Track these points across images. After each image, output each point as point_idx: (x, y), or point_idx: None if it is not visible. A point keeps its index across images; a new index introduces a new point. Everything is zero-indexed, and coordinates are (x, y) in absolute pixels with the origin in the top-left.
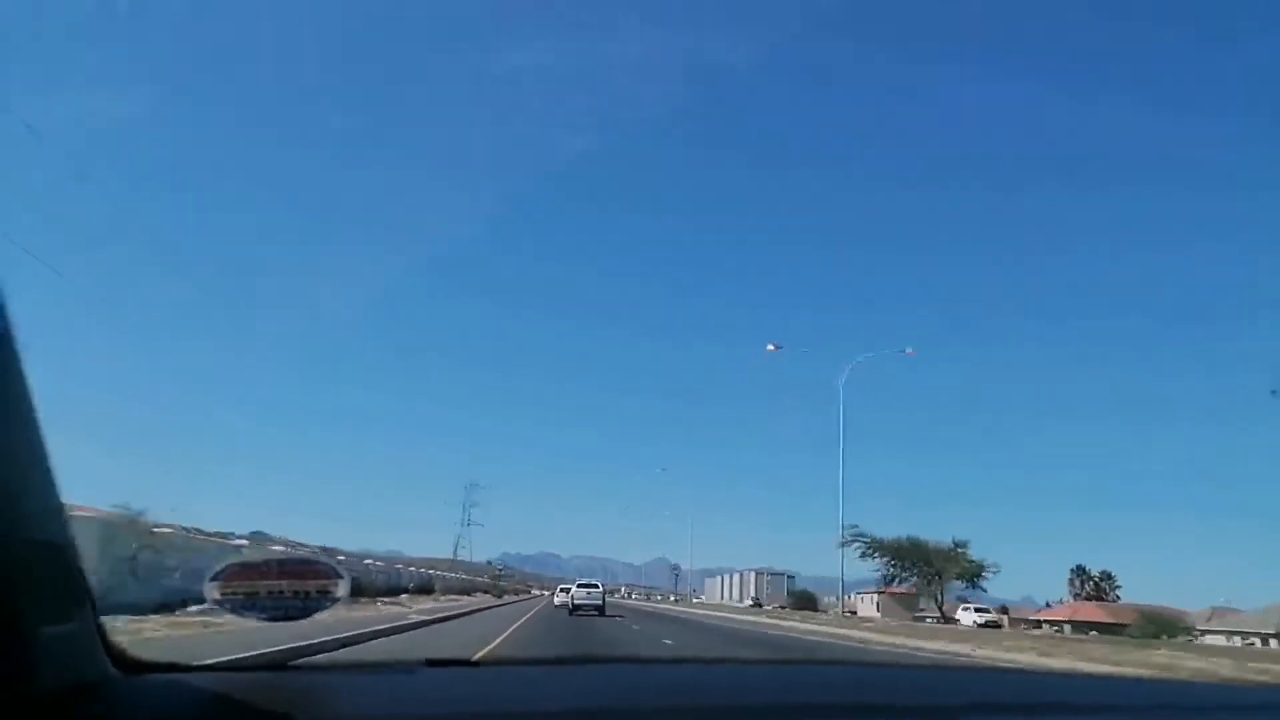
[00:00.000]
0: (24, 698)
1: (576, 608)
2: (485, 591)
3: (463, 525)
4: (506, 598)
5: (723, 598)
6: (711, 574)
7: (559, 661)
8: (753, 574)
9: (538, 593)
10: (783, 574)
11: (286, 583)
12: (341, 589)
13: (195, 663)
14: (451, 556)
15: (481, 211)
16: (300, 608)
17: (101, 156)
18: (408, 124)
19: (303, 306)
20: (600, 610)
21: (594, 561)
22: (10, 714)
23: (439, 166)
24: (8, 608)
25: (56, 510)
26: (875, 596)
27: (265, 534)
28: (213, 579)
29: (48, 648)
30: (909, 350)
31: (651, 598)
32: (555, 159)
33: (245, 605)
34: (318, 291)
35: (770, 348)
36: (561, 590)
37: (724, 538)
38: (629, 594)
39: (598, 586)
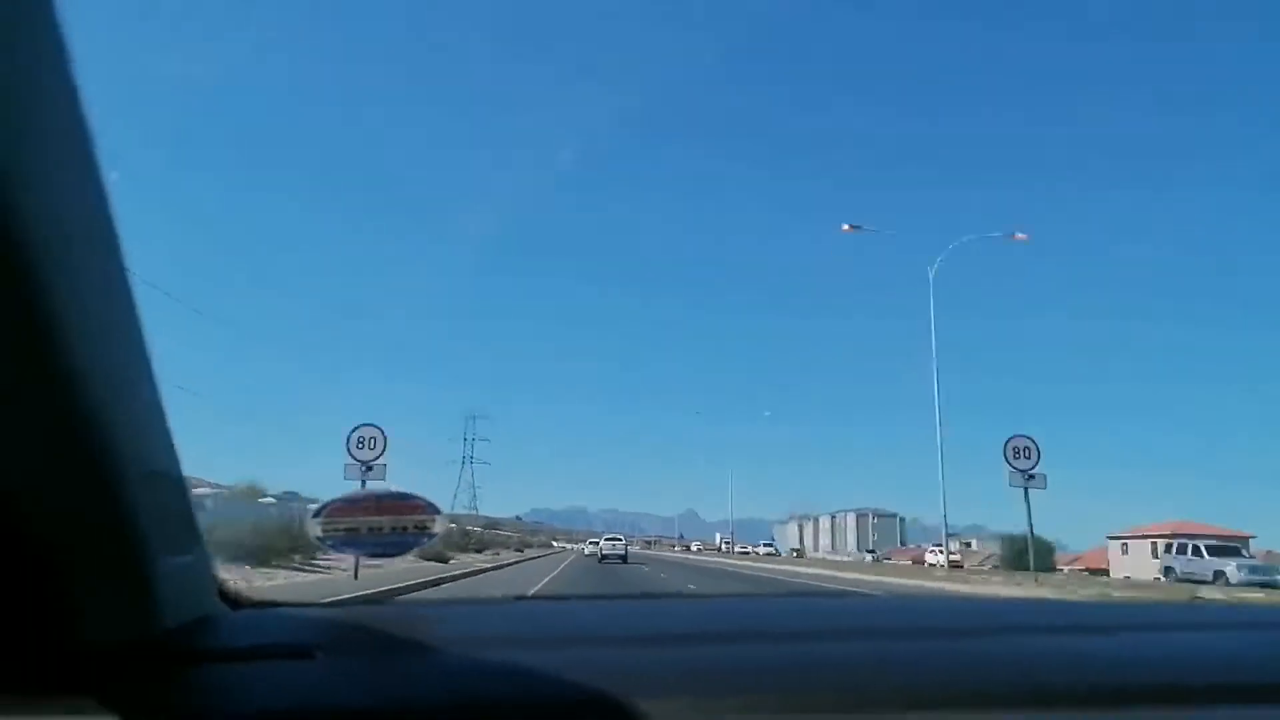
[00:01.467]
0: (152, 632)
1: (604, 557)
2: (506, 546)
3: (463, 462)
4: (529, 551)
5: (808, 545)
6: (749, 524)
7: (628, 597)
8: (852, 515)
9: (562, 547)
10: (894, 515)
11: (386, 518)
12: (439, 525)
13: (303, 600)
14: (465, 509)
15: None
16: (398, 543)
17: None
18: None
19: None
20: (623, 558)
21: (622, 516)
22: (141, 647)
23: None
24: (137, 539)
25: (170, 444)
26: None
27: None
28: (314, 516)
29: (170, 582)
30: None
31: (697, 548)
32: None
33: (346, 541)
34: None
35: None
36: (591, 543)
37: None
38: (689, 548)
39: (621, 540)
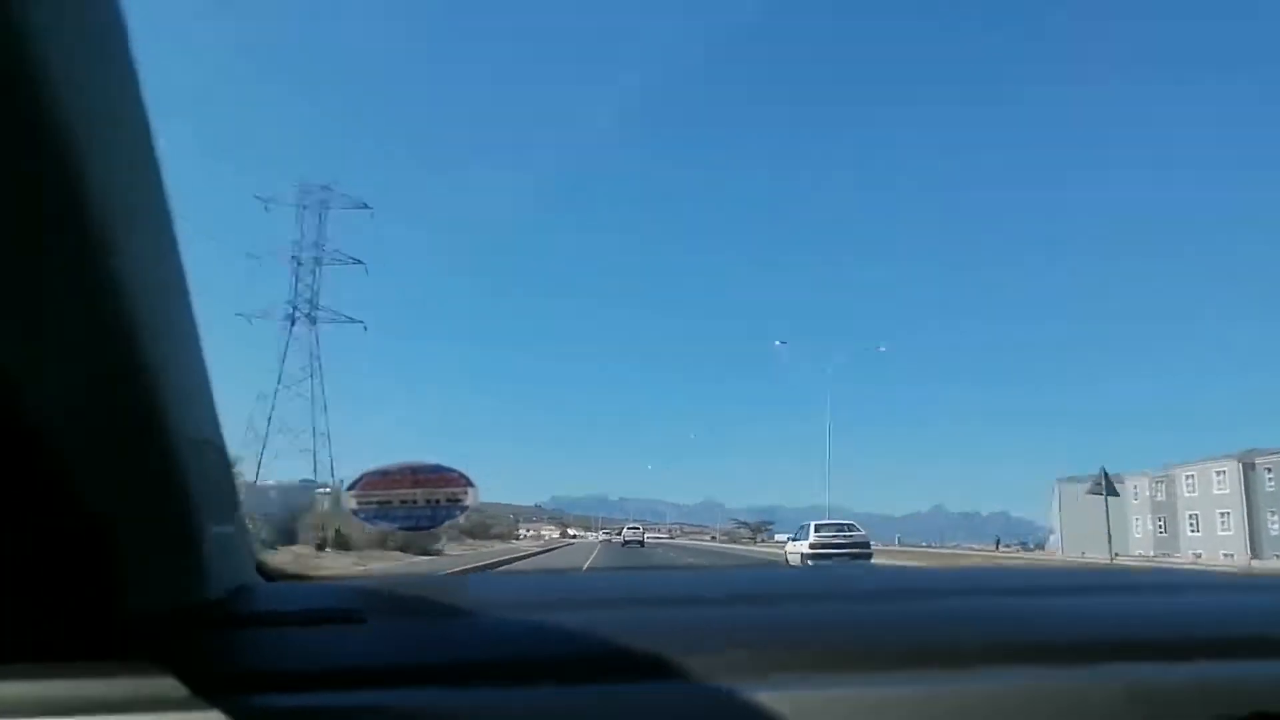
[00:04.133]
0: (200, 598)
1: (626, 542)
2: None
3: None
4: (522, 542)
5: None
6: (761, 513)
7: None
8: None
9: (577, 535)
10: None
11: (420, 491)
12: (472, 497)
13: (332, 575)
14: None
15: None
16: (431, 515)
17: None
18: None
19: None
20: (641, 544)
21: (643, 504)
22: (191, 612)
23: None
24: (187, 507)
25: (214, 418)
26: None
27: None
28: (349, 488)
29: (216, 551)
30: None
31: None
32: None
33: (379, 513)
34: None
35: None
36: (604, 531)
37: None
38: (713, 537)
39: (639, 528)
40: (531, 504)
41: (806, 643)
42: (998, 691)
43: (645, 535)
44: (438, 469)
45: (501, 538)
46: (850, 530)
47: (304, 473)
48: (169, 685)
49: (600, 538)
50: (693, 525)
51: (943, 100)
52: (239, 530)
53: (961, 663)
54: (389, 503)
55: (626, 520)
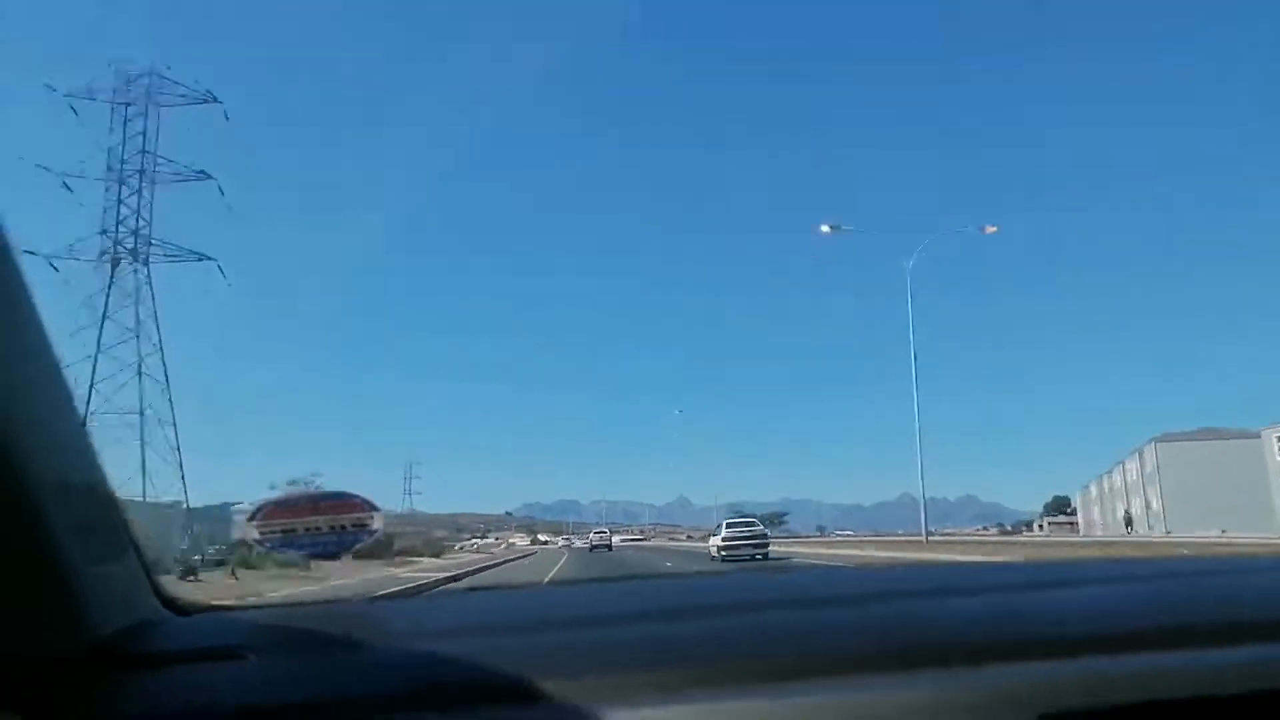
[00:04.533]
0: (84, 641)
1: (594, 547)
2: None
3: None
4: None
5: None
6: (730, 509)
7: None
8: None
9: (548, 541)
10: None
11: (323, 518)
12: (377, 522)
13: (243, 603)
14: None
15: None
16: (337, 541)
17: None
18: None
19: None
20: (609, 547)
21: (614, 506)
22: (71, 656)
23: None
24: (58, 551)
25: (90, 454)
26: None
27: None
28: (250, 519)
29: (100, 591)
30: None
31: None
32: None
33: (283, 543)
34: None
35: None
36: (564, 539)
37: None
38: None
39: (606, 532)
40: (501, 512)
41: (711, 658)
42: (907, 698)
43: (616, 539)
44: (339, 495)
45: (420, 554)
46: (752, 528)
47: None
48: None
49: (567, 545)
50: (667, 525)
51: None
52: (130, 566)
53: (875, 670)
54: (294, 530)
55: (597, 524)
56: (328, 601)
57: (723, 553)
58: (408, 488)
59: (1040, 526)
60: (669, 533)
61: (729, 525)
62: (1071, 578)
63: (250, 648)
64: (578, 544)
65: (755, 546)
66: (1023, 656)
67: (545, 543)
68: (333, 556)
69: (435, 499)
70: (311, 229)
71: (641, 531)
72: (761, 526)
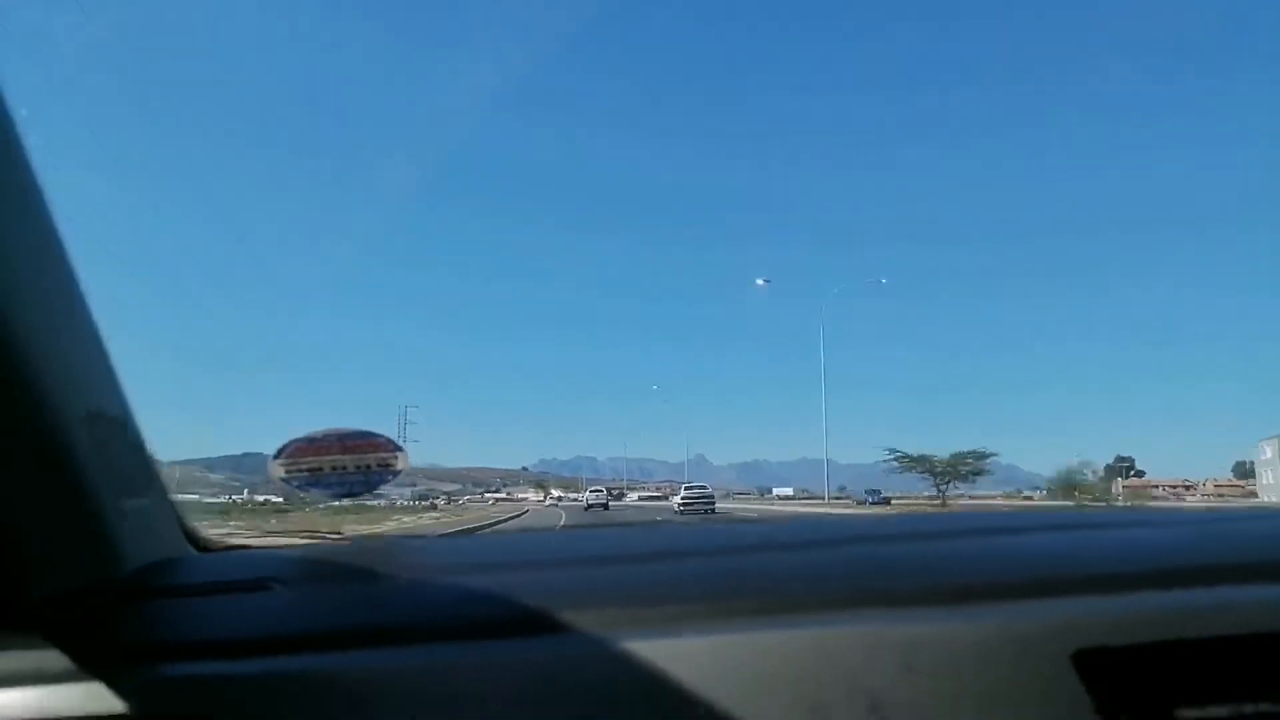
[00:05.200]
0: (113, 573)
1: (590, 505)
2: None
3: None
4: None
5: None
6: (747, 468)
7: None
8: None
9: (561, 497)
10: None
11: (349, 457)
12: (402, 462)
13: (266, 542)
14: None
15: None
16: (364, 481)
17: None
18: None
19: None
20: (605, 506)
21: (630, 463)
22: (101, 588)
23: None
24: (88, 484)
25: (118, 389)
26: None
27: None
28: (275, 456)
29: (129, 525)
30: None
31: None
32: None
33: (310, 482)
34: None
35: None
36: (553, 496)
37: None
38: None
39: (602, 490)
40: (517, 467)
41: (704, 595)
42: (872, 634)
43: (633, 496)
44: (365, 434)
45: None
46: (703, 490)
47: None
48: (64, 657)
49: (555, 503)
50: (682, 483)
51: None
52: (159, 501)
53: (835, 608)
54: (320, 469)
55: (613, 480)
56: (348, 540)
57: (680, 508)
58: (402, 432)
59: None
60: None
61: (686, 488)
62: (1092, 521)
63: (275, 580)
64: (569, 500)
65: (704, 504)
66: (1054, 593)
67: (559, 499)
68: (358, 496)
69: (455, 453)
70: (337, 183)
71: (659, 489)
72: (710, 490)
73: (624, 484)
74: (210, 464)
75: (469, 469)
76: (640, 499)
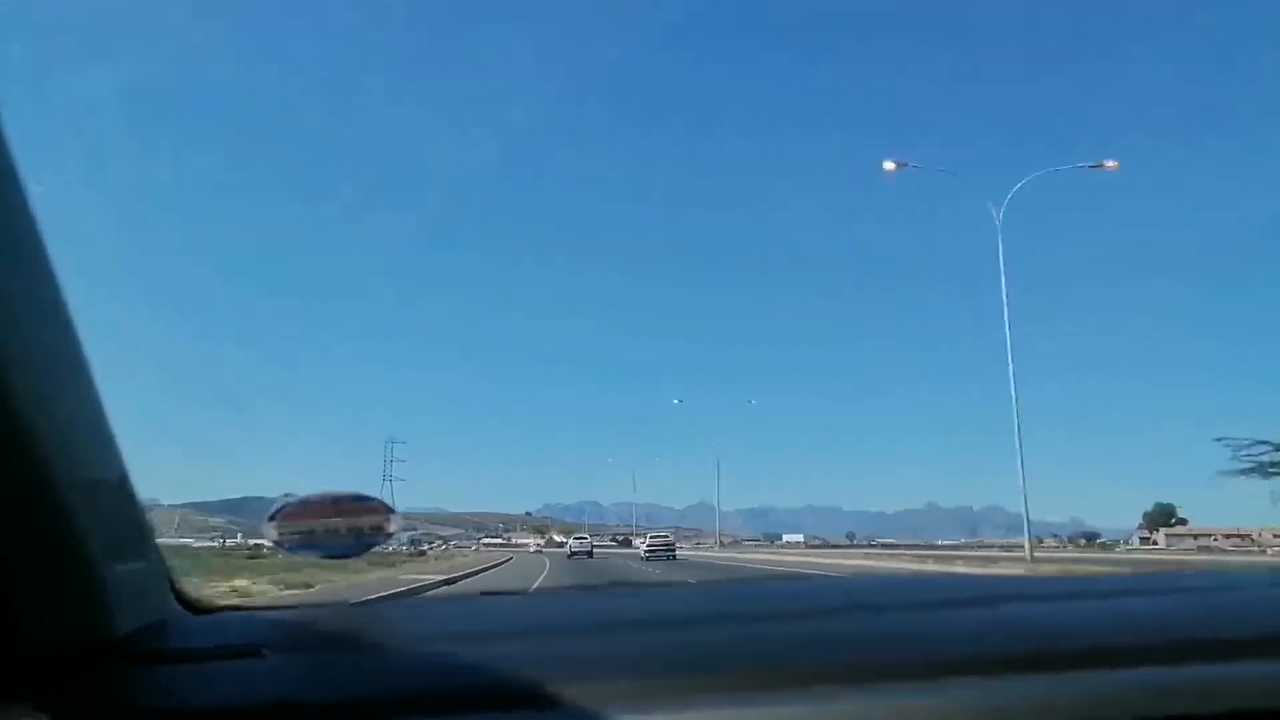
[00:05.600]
0: (103, 635)
1: (574, 553)
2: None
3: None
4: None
5: None
6: (754, 514)
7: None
8: None
9: (563, 543)
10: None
11: (342, 520)
12: (394, 524)
13: (258, 604)
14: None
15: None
16: (355, 543)
17: None
18: None
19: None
20: (589, 554)
21: (635, 508)
22: (91, 650)
23: None
24: (80, 546)
25: (114, 450)
26: None
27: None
28: (270, 518)
29: (121, 587)
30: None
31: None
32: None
33: (303, 544)
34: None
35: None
36: (537, 543)
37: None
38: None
39: (587, 538)
40: (521, 512)
41: (697, 666)
42: (906, 707)
43: (639, 542)
44: (359, 498)
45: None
46: (666, 537)
47: None
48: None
49: (539, 550)
50: (690, 529)
51: None
52: (151, 564)
53: (856, 680)
54: (313, 531)
55: (618, 526)
56: (341, 603)
57: (646, 553)
58: (388, 471)
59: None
60: (693, 537)
61: (651, 535)
62: (1110, 589)
63: (266, 646)
64: (557, 546)
65: (666, 550)
66: (1075, 666)
67: (560, 544)
68: (349, 557)
69: (460, 498)
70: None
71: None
72: (671, 538)
73: (630, 530)
74: (210, 508)
75: (472, 514)
76: (649, 547)
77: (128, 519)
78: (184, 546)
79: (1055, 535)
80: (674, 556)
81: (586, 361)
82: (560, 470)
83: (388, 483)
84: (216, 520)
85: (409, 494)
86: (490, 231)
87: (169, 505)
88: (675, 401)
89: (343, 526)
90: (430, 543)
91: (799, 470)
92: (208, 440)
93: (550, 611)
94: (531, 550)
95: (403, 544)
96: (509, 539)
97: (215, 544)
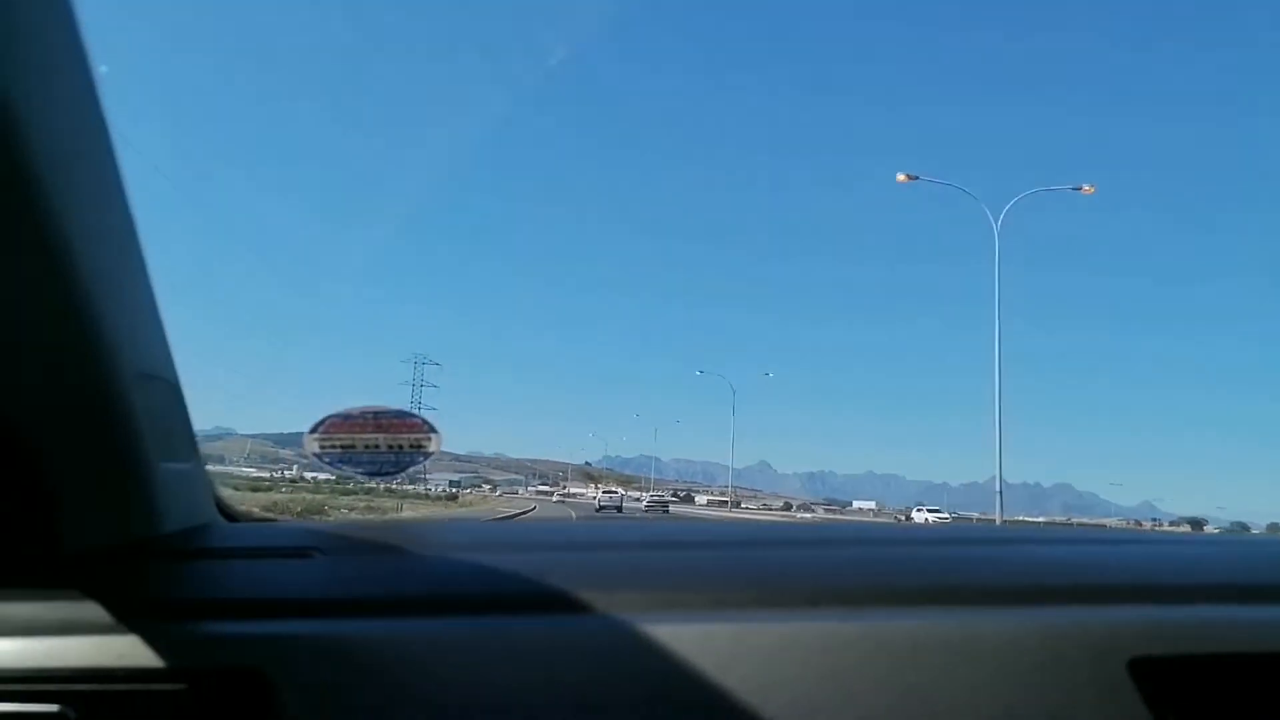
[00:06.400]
0: (151, 533)
1: (602, 507)
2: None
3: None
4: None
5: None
6: (813, 478)
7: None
8: None
9: (612, 491)
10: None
11: (383, 436)
12: (435, 443)
13: (294, 519)
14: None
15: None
16: (395, 461)
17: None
18: None
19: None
20: (619, 509)
21: (693, 465)
22: (139, 546)
23: None
24: (133, 443)
25: (166, 350)
26: None
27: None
28: (310, 431)
29: (168, 488)
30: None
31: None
32: None
33: (343, 458)
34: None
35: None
36: (561, 492)
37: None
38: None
39: (617, 493)
40: (581, 462)
41: (713, 583)
42: (885, 630)
43: (700, 498)
44: (401, 414)
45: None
46: (661, 496)
47: None
48: (104, 610)
49: (562, 499)
50: (746, 489)
51: None
52: (196, 468)
53: (853, 603)
54: (353, 446)
55: (676, 481)
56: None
57: (645, 507)
58: (416, 395)
59: None
60: (750, 497)
61: (649, 495)
62: (1145, 538)
63: (315, 549)
64: (588, 497)
65: (662, 506)
66: (1111, 601)
67: (611, 493)
68: (389, 476)
69: (521, 444)
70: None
71: (723, 493)
72: (668, 496)
73: (692, 485)
74: (283, 439)
75: (533, 459)
76: (708, 502)
77: (176, 420)
78: (226, 474)
79: (1154, 519)
80: (668, 511)
81: (656, 326)
82: (624, 425)
83: (417, 404)
84: (286, 452)
85: (472, 436)
86: (583, 205)
87: (242, 434)
88: (698, 373)
89: (383, 443)
90: (476, 485)
91: (860, 435)
92: (285, 372)
93: (580, 532)
94: (554, 500)
95: (442, 486)
96: (565, 487)
97: (264, 475)
